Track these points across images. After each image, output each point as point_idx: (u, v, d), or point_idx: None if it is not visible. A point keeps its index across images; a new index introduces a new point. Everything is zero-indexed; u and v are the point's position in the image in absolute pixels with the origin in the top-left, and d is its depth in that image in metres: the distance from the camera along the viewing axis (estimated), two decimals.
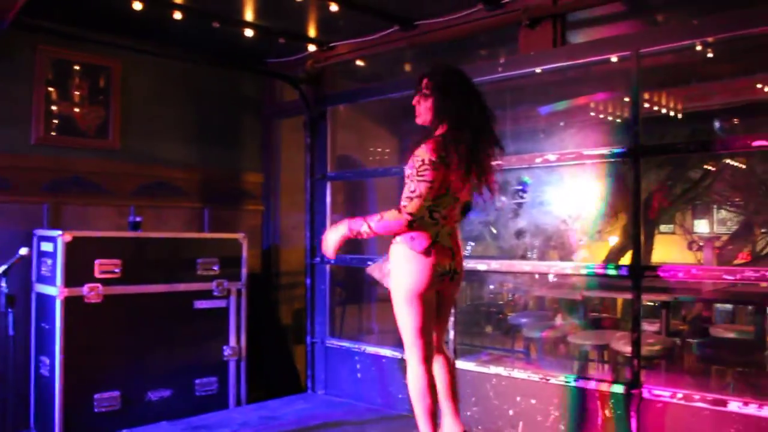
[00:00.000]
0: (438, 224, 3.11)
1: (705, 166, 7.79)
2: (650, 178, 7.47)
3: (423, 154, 2.98)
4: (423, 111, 3.19)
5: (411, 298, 3.09)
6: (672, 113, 6.40)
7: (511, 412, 4.12)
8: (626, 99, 4.65)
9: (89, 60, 4.99)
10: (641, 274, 3.67)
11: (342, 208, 6.02)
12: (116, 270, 4.51)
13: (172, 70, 5.39)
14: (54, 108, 4.85)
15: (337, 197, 5.59)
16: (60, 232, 4.31)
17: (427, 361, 3.19)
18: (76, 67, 4.95)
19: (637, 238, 3.73)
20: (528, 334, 5.51)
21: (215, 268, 4.99)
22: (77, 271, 4.34)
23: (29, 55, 4.72)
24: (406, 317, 3.13)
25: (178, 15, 4.61)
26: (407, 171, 3.05)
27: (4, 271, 3.86)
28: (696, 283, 5.03)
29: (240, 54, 5.67)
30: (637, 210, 3.72)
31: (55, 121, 4.85)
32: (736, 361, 4.69)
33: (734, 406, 3.32)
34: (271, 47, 5.51)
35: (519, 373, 4.13)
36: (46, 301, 4.44)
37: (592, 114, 6.55)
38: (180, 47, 5.28)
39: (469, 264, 3.40)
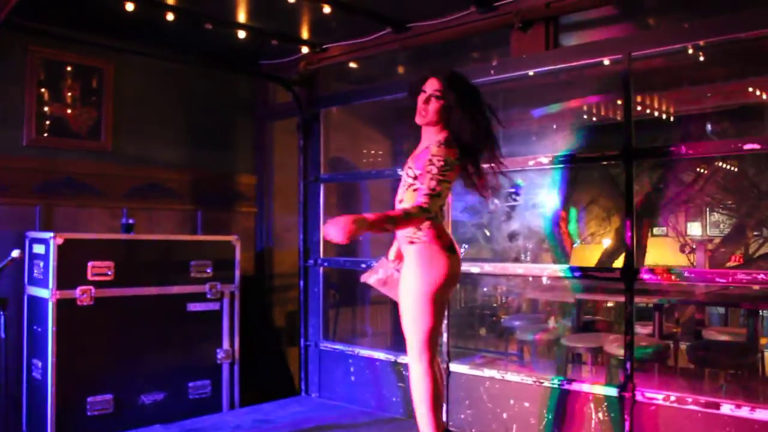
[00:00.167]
0: (441, 223, 3.25)
1: (697, 169, 7.82)
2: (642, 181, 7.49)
3: (444, 154, 3.06)
4: (430, 112, 3.21)
5: (432, 297, 3.12)
6: (664, 116, 6.42)
7: (504, 415, 4.12)
8: (618, 102, 4.66)
9: (81, 61, 4.97)
10: (634, 276, 3.68)
11: (335, 210, 6.02)
12: (109, 272, 4.49)
13: (164, 71, 5.37)
14: (46, 109, 4.83)
15: (330, 199, 5.58)
16: (52, 234, 4.29)
17: (434, 364, 3.21)
18: (68, 68, 4.93)
19: (630, 240, 3.74)
20: (521, 337, 5.51)
21: (208, 270, 4.98)
22: (69, 274, 4.32)
23: (21, 56, 4.70)
24: (423, 317, 3.13)
25: (170, 16, 4.60)
26: (414, 170, 3.13)
27: None
28: (689, 285, 5.04)
29: (233, 55, 5.66)
30: (630, 212, 3.73)
31: (47, 123, 4.84)
32: (729, 363, 4.70)
33: (727, 408, 3.33)
34: (264, 49, 5.50)
35: (512, 376, 4.13)
36: (38, 303, 4.42)
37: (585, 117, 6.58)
38: (173, 48, 5.27)
39: (462, 267, 3.41)
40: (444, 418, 3.91)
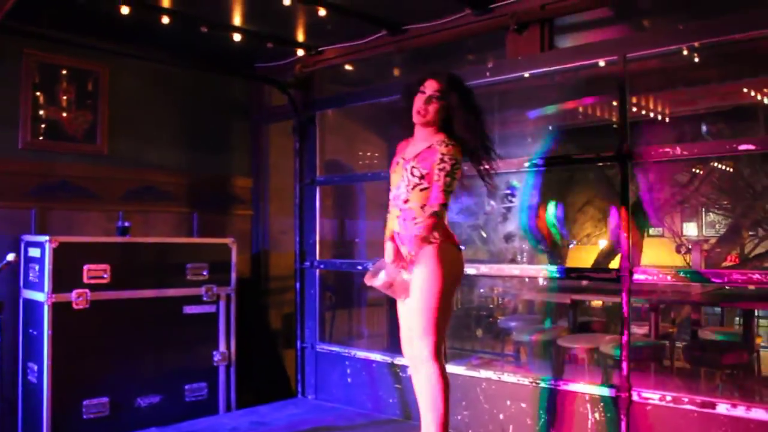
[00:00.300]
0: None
1: (692, 170, 7.84)
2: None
3: (454, 153, 3.18)
4: (431, 111, 3.29)
5: (447, 295, 3.24)
6: (659, 117, 6.44)
7: (501, 416, 4.12)
8: (614, 103, 4.67)
9: (76, 64, 4.96)
10: (630, 277, 3.68)
11: (331, 212, 6.02)
12: (105, 275, 4.48)
13: (160, 74, 5.37)
14: (41, 112, 4.82)
15: (326, 201, 5.58)
16: (47, 238, 4.28)
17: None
18: (64, 72, 4.92)
19: (626, 241, 3.74)
20: (518, 338, 5.52)
21: (204, 273, 4.97)
22: (65, 277, 4.32)
23: (16, 60, 4.69)
24: (442, 317, 3.21)
25: (165, 19, 4.60)
26: (421, 170, 3.21)
27: None
28: (684, 286, 5.05)
29: (228, 58, 5.65)
30: (626, 213, 3.74)
31: (43, 126, 4.83)
32: (724, 363, 4.70)
33: (722, 408, 3.34)
34: (260, 52, 5.50)
35: (509, 377, 4.13)
36: (33, 307, 4.41)
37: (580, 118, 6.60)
38: (168, 52, 5.26)
39: None
40: None
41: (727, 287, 4.85)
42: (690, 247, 8.20)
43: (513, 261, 6.94)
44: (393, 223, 3.36)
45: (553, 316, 5.96)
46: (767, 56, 4.76)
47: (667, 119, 6.53)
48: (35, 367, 4.36)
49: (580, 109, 6.65)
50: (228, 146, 5.97)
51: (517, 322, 5.86)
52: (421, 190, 3.21)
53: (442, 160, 3.15)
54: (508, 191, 6.93)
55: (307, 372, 5.31)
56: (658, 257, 8.67)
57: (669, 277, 3.69)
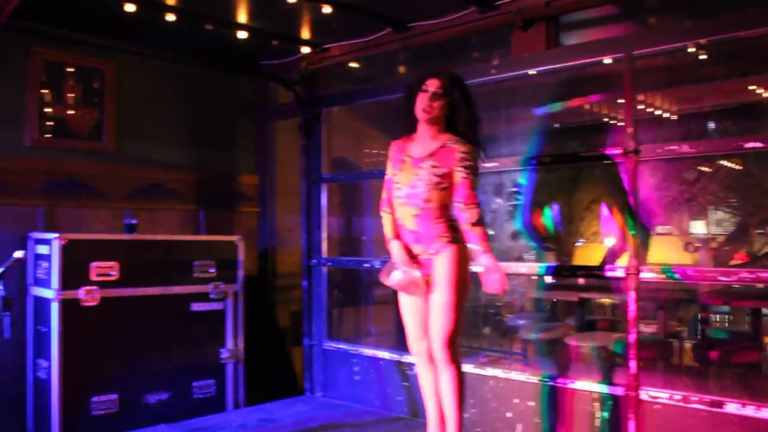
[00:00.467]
0: None
1: (700, 168, 7.81)
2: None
3: (471, 151, 3.27)
4: (436, 108, 3.31)
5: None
6: (666, 114, 6.41)
7: (509, 414, 4.12)
8: (620, 100, 4.65)
9: (83, 62, 4.98)
10: (637, 275, 3.67)
11: (337, 209, 6.02)
12: (112, 273, 4.50)
13: (166, 72, 5.38)
14: (48, 110, 4.84)
15: (333, 199, 5.58)
16: (55, 235, 4.30)
17: None
18: (70, 70, 4.94)
19: (634, 239, 3.73)
20: (525, 336, 5.50)
21: (212, 270, 4.98)
22: (73, 274, 4.33)
23: (22, 58, 4.71)
24: (459, 316, 3.25)
25: (171, 17, 4.60)
26: (441, 169, 3.24)
27: (0, 274, 3.84)
28: (692, 284, 5.03)
29: (234, 56, 5.66)
30: (633, 211, 3.73)
31: (50, 124, 4.84)
32: (734, 362, 4.68)
33: (732, 407, 3.32)
34: (265, 49, 5.50)
35: (517, 375, 4.13)
36: (42, 304, 4.43)
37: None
38: (174, 49, 5.26)
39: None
40: None
41: (735, 285, 4.82)
42: (698, 245, 8.17)
43: (520, 259, 6.92)
44: (406, 222, 3.35)
45: (560, 315, 5.94)
46: None
47: (673, 117, 6.50)
48: (45, 364, 4.38)
49: (587, 107, 6.63)
50: (234, 143, 5.98)
51: (524, 320, 5.84)
52: (443, 189, 3.26)
53: (464, 159, 3.22)
54: (515, 189, 6.91)
55: (315, 369, 5.32)
56: (667, 255, 8.63)
57: (676, 276, 3.67)
